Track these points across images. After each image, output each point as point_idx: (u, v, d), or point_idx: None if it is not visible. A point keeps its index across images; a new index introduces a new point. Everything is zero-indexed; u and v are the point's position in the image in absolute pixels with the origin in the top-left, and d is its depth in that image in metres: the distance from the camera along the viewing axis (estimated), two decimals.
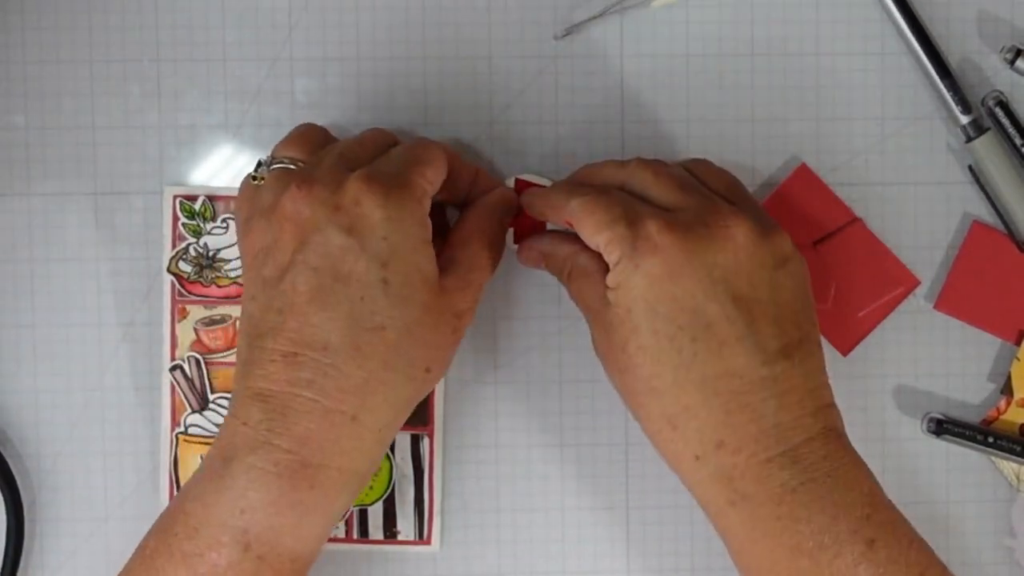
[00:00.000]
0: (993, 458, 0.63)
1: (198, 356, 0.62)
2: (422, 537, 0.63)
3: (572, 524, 0.63)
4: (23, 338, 0.62)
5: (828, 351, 0.60)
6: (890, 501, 0.54)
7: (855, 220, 0.63)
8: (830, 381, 0.55)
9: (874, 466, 0.54)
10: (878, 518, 0.53)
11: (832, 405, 0.54)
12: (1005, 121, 0.61)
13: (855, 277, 0.62)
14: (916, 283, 0.63)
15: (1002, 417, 0.63)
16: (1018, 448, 0.62)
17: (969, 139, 0.61)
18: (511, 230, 0.61)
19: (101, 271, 0.62)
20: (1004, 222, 0.62)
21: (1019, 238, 0.62)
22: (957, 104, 0.61)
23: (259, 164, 0.56)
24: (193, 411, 0.62)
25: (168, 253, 0.62)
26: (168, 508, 0.54)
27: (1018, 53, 0.61)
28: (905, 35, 0.62)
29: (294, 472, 0.52)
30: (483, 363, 0.63)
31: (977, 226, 0.63)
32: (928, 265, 0.63)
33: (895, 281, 0.63)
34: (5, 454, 0.61)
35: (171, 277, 0.62)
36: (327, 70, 0.62)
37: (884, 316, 0.63)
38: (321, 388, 0.52)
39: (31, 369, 0.62)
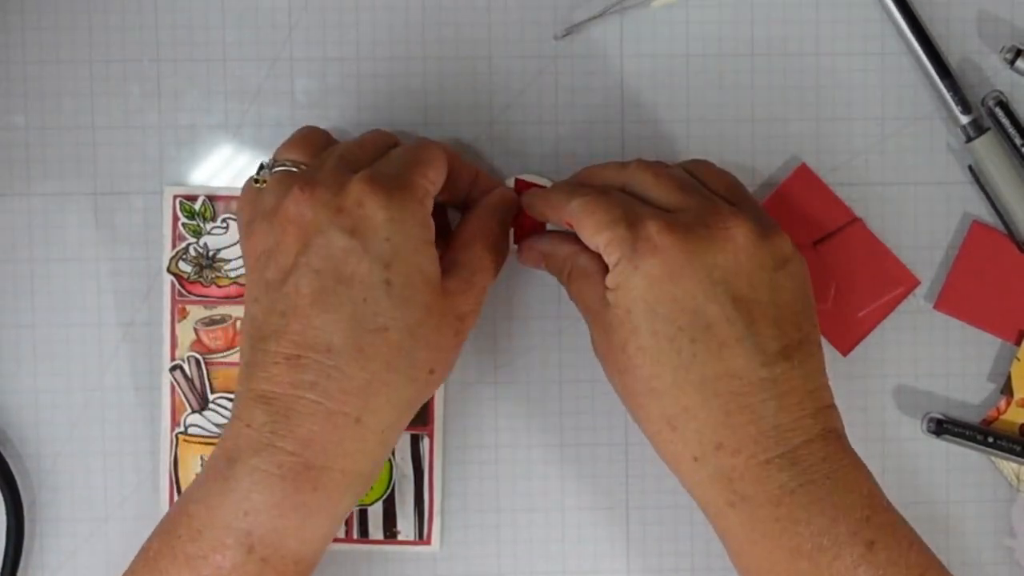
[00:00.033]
0: (993, 458, 0.63)
1: (198, 356, 0.62)
2: (422, 537, 0.63)
3: (572, 524, 0.63)
4: (23, 338, 0.62)
5: (828, 351, 0.60)
6: (890, 503, 0.54)
7: (855, 220, 0.63)
8: (830, 381, 0.55)
9: (874, 466, 0.54)
10: (877, 520, 0.53)
11: (832, 407, 0.54)
12: (1005, 121, 0.61)
13: (855, 277, 0.62)
14: (916, 283, 0.63)
15: (1002, 417, 0.63)
16: (1018, 448, 0.62)
17: (969, 139, 0.61)
18: (511, 230, 0.61)
19: (101, 271, 0.62)
20: (1004, 222, 0.62)
21: (1019, 238, 0.62)
22: (957, 104, 0.61)
23: (261, 167, 0.57)
24: (193, 411, 0.62)
25: (168, 253, 0.62)
26: (171, 510, 0.55)
27: (1018, 53, 0.61)
28: (905, 35, 0.62)
29: (297, 474, 0.52)
30: (483, 363, 0.63)
31: (977, 226, 0.63)
32: (928, 265, 0.63)
33: (895, 281, 0.63)
34: (5, 454, 0.61)
35: (171, 277, 0.62)
36: (327, 70, 0.62)
37: (884, 316, 0.63)
38: (324, 390, 0.52)
39: (31, 369, 0.62)
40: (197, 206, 0.62)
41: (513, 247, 0.61)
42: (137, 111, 0.62)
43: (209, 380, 0.62)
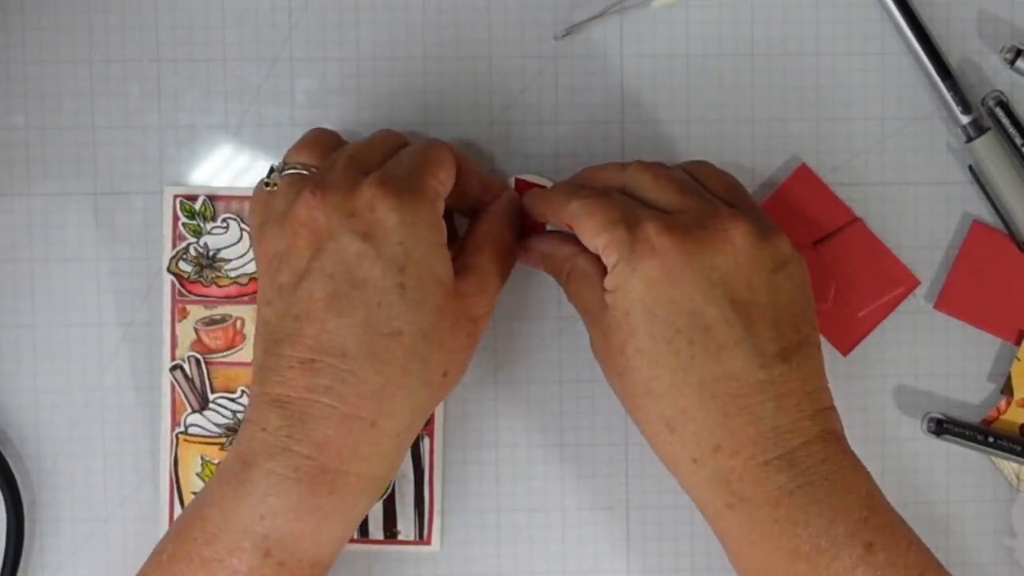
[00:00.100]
0: (993, 458, 0.63)
1: (198, 356, 0.62)
2: (422, 537, 0.63)
3: (572, 524, 0.63)
4: (23, 338, 0.62)
5: (828, 351, 0.60)
6: (889, 504, 0.54)
7: (855, 220, 0.63)
8: (830, 382, 0.55)
9: (874, 466, 0.54)
10: (876, 521, 0.53)
11: (831, 408, 0.54)
12: (1005, 121, 0.61)
13: (855, 277, 0.62)
14: (916, 283, 0.63)
15: (1002, 417, 0.63)
16: (1018, 448, 0.62)
17: (969, 139, 0.61)
18: None
19: (101, 271, 0.62)
20: (1004, 222, 0.62)
21: (1019, 238, 0.62)
22: (957, 104, 0.61)
23: (271, 170, 0.57)
24: (193, 411, 0.62)
25: (168, 253, 0.62)
26: (184, 513, 0.54)
27: (1018, 53, 0.61)
28: (905, 35, 0.62)
29: (313, 478, 0.52)
30: (483, 363, 0.63)
31: (977, 226, 0.63)
32: (928, 265, 0.63)
33: (895, 281, 0.63)
34: (5, 454, 0.61)
35: (171, 277, 0.62)
36: (327, 70, 0.62)
37: (884, 316, 0.63)
38: (339, 394, 0.52)
39: (31, 369, 0.62)
40: (197, 206, 0.62)
41: None
42: (137, 111, 0.62)
43: (209, 380, 0.62)
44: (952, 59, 0.62)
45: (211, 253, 0.62)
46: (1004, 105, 0.61)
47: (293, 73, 0.62)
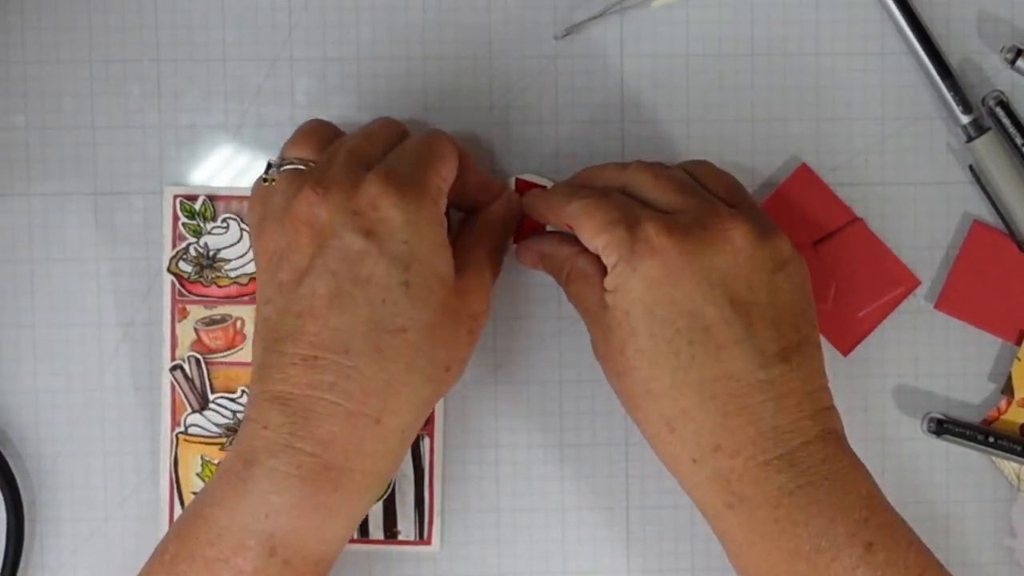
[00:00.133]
0: (993, 458, 0.63)
1: (198, 356, 0.62)
2: (422, 537, 0.63)
3: (572, 524, 0.63)
4: (23, 338, 0.62)
5: (828, 351, 0.60)
6: (889, 504, 0.54)
7: (855, 220, 0.63)
8: (830, 382, 0.55)
9: (874, 466, 0.54)
10: (876, 521, 0.53)
11: (831, 408, 0.54)
12: (1006, 121, 0.61)
13: (855, 277, 0.62)
14: (916, 283, 0.63)
15: (1002, 417, 0.63)
16: (1018, 448, 0.62)
17: (969, 139, 0.61)
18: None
19: (101, 271, 0.62)
20: (1004, 222, 0.62)
21: (1019, 238, 0.62)
22: (957, 104, 0.61)
23: (269, 165, 0.57)
24: (193, 411, 0.62)
25: (168, 253, 0.62)
26: (186, 513, 0.54)
27: (1018, 53, 0.61)
28: (905, 35, 0.62)
29: (317, 475, 0.52)
30: (483, 363, 0.63)
31: (977, 226, 0.63)
32: (928, 265, 0.63)
33: (895, 281, 0.63)
34: (5, 454, 0.61)
35: (171, 277, 0.62)
36: (327, 70, 0.62)
37: (884, 316, 0.63)
38: (344, 391, 0.52)
39: (31, 369, 0.62)
40: (197, 206, 0.62)
41: (513, 247, 0.61)
42: (137, 111, 0.62)
43: (209, 380, 0.62)
44: (952, 59, 0.62)
45: (211, 253, 0.62)
46: (1004, 105, 0.61)
47: (293, 73, 0.62)
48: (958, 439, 0.62)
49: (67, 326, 0.62)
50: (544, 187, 0.62)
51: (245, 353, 0.62)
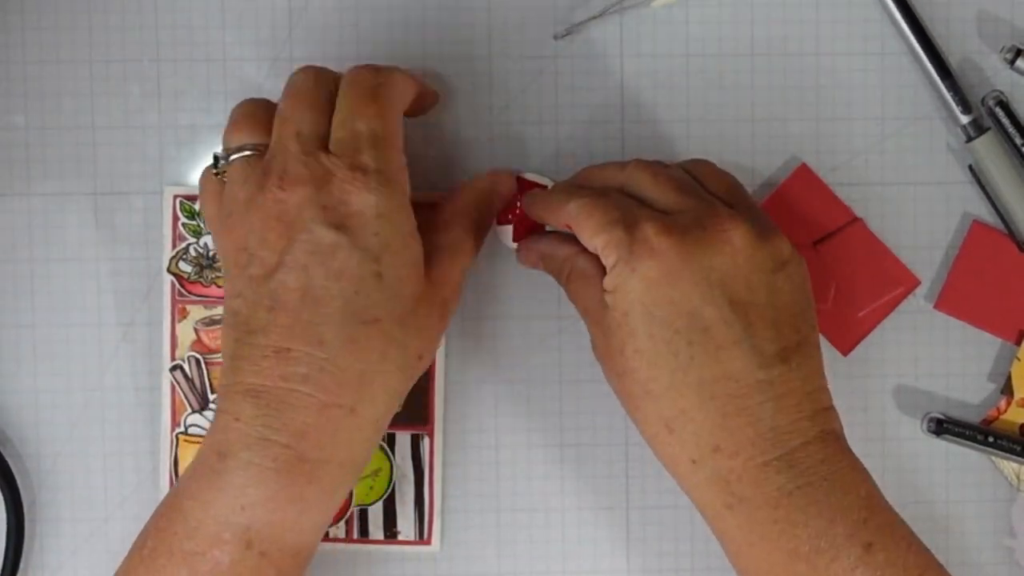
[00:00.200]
0: (993, 458, 0.63)
1: (198, 356, 0.62)
2: (422, 537, 0.63)
3: (572, 524, 0.63)
4: (23, 338, 0.62)
5: (828, 351, 0.60)
6: (888, 504, 0.54)
7: (855, 220, 0.63)
8: (830, 382, 0.55)
9: (874, 466, 0.54)
10: (876, 521, 0.53)
11: (830, 408, 0.54)
12: (1005, 121, 0.61)
13: (855, 277, 0.62)
14: (916, 283, 0.63)
15: (1002, 417, 0.63)
16: (1018, 448, 0.62)
17: (969, 139, 0.61)
18: (510, 228, 0.62)
19: (101, 271, 0.62)
20: (1004, 222, 0.62)
21: (1019, 238, 0.62)
22: (957, 104, 0.61)
23: (216, 158, 0.56)
24: (193, 411, 0.62)
25: (168, 253, 0.62)
26: (162, 507, 0.54)
27: (1018, 53, 0.61)
28: (905, 35, 0.62)
29: (292, 467, 0.52)
30: (483, 363, 0.63)
31: (977, 226, 0.63)
32: (928, 265, 0.63)
33: (895, 281, 0.63)
34: (5, 454, 0.61)
35: (171, 277, 0.62)
36: None
37: (884, 316, 0.63)
38: (317, 383, 0.52)
39: (31, 369, 0.62)
40: (197, 206, 0.62)
41: (513, 246, 0.61)
42: (137, 111, 0.62)
43: (209, 380, 0.62)
44: (952, 59, 0.62)
45: (211, 253, 0.62)
46: (1004, 105, 0.61)
47: None
48: (958, 439, 0.62)
49: (67, 326, 0.62)
50: (544, 187, 0.62)
51: None
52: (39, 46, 0.62)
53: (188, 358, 0.62)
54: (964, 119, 0.61)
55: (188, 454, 0.62)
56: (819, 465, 0.52)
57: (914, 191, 0.63)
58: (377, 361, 0.52)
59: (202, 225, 0.62)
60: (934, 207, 0.63)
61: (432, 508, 0.63)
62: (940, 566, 0.54)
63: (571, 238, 0.57)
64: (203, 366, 0.62)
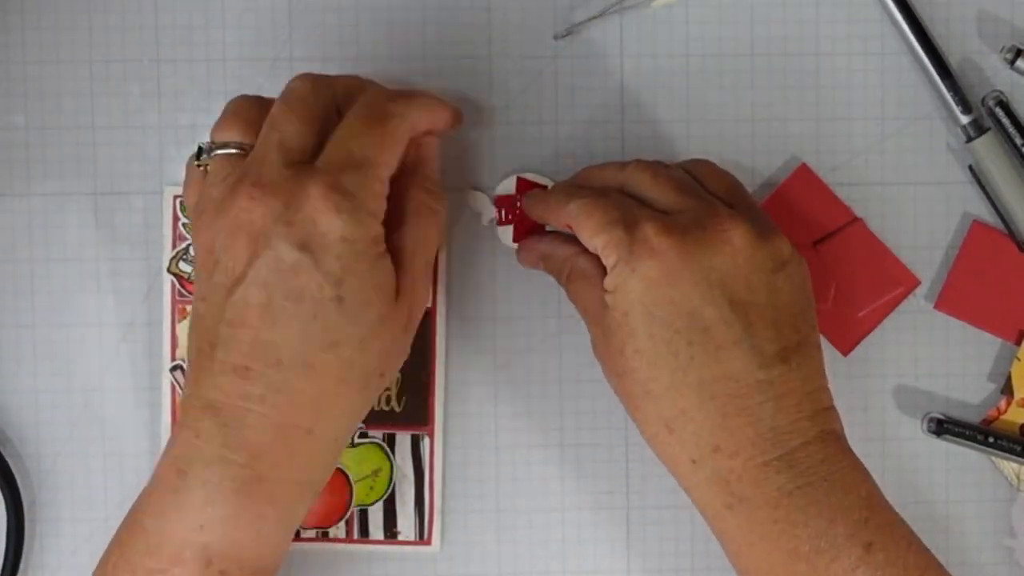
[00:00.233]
0: (993, 458, 0.63)
1: None
2: (422, 537, 0.63)
3: (572, 524, 0.63)
4: (23, 338, 0.62)
5: (828, 351, 0.60)
6: (889, 504, 0.54)
7: (855, 220, 0.63)
8: (830, 382, 0.55)
9: (874, 466, 0.54)
10: (876, 521, 0.53)
11: (831, 408, 0.54)
12: (1005, 121, 0.61)
13: (855, 277, 0.62)
14: (916, 283, 0.63)
15: (1002, 417, 0.63)
16: (1018, 448, 0.62)
17: (969, 139, 0.61)
18: (511, 228, 0.62)
19: (101, 271, 0.62)
20: (1004, 222, 0.62)
21: (1019, 238, 0.62)
22: (957, 104, 0.61)
23: (200, 150, 0.55)
24: None
25: (168, 253, 0.62)
26: (126, 522, 0.54)
27: (1018, 53, 0.61)
28: (905, 35, 0.62)
29: (251, 487, 0.51)
30: (483, 363, 0.63)
31: (977, 226, 0.63)
32: (928, 265, 0.63)
33: (895, 281, 0.63)
34: (5, 454, 0.61)
35: (171, 277, 0.62)
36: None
37: (884, 316, 0.63)
38: (274, 404, 0.51)
39: (31, 369, 0.62)
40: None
41: (513, 246, 0.61)
42: (137, 111, 0.62)
43: None
44: (952, 59, 0.62)
45: None
46: (1004, 105, 0.61)
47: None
48: (958, 439, 0.62)
49: (67, 326, 0.62)
50: (544, 187, 0.62)
51: None
52: (39, 46, 0.62)
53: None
54: (964, 119, 0.61)
55: None
56: (819, 465, 0.52)
57: (914, 191, 0.63)
58: (333, 384, 0.52)
59: None
60: (934, 207, 0.63)
61: (432, 508, 0.63)
62: (940, 566, 0.54)
63: (571, 238, 0.57)
64: None
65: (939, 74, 0.61)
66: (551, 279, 0.60)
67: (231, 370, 0.51)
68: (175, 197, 0.62)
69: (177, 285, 0.62)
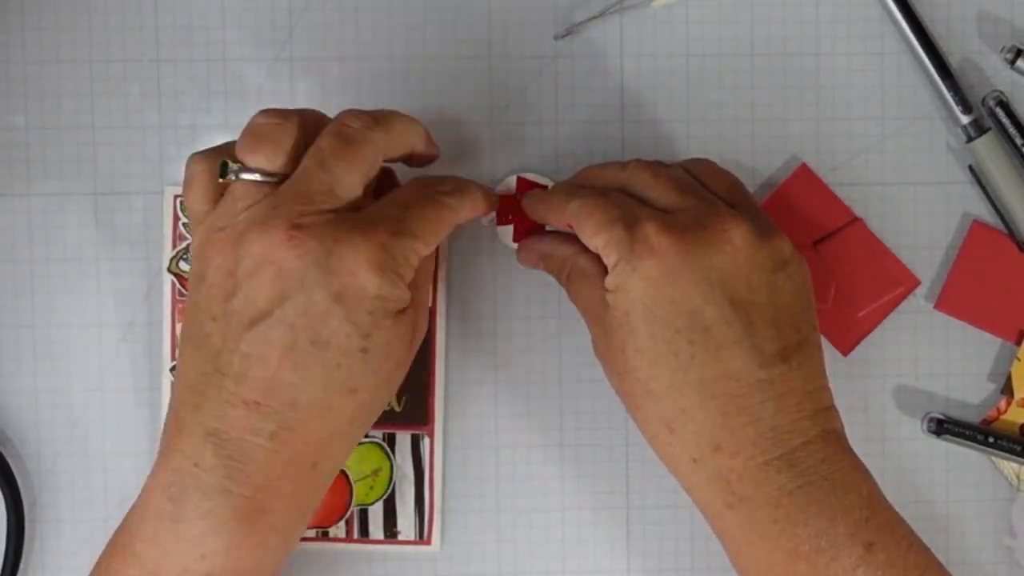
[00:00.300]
0: (993, 458, 0.63)
1: None
2: (422, 537, 0.63)
3: (572, 524, 0.63)
4: (23, 338, 0.62)
5: (828, 351, 0.60)
6: (889, 504, 0.54)
7: (855, 220, 0.63)
8: (830, 382, 0.55)
9: (874, 466, 0.54)
10: (876, 521, 0.53)
11: (831, 408, 0.54)
12: (1005, 121, 0.61)
13: (855, 277, 0.62)
14: (916, 283, 0.63)
15: (1002, 417, 0.63)
16: (1018, 448, 0.62)
17: (969, 139, 0.61)
18: (511, 228, 0.62)
19: (101, 271, 0.62)
20: (1004, 222, 0.62)
21: (1019, 238, 0.62)
22: (957, 104, 0.61)
23: (225, 167, 0.52)
24: None
25: (168, 253, 0.62)
26: (113, 547, 0.53)
27: (1018, 53, 0.61)
28: (905, 35, 0.62)
29: (254, 517, 0.51)
30: (483, 363, 0.63)
31: (977, 226, 0.63)
32: (928, 265, 0.63)
33: (895, 281, 0.63)
34: (5, 454, 0.61)
35: (171, 277, 0.62)
36: (327, 70, 0.62)
37: (884, 316, 0.63)
38: (284, 440, 0.51)
39: (31, 369, 0.62)
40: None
41: (513, 246, 0.61)
42: (137, 111, 0.62)
43: None
44: (952, 59, 0.62)
45: None
46: (1004, 105, 0.61)
47: (293, 73, 0.62)
48: (958, 439, 0.62)
49: (67, 326, 0.62)
50: (544, 187, 0.62)
51: None
52: (39, 46, 0.62)
53: None
54: (964, 119, 0.61)
55: None
56: (820, 464, 0.52)
57: (914, 191, 0.63)
58: (346, 424, 0.52)
59: None
60: (934, 207, 0.63)
61: (432, 508, 0.63)
62: (940, 566, 0.54)
63: (571, 238, 0.57)
64: None
65: (939, 74, 0.61)
66: (551, 279, 0.60)
67: (242, 403, 0.50)
68: (175, 197, 0.62)
69: (177, 285, 0.62)
